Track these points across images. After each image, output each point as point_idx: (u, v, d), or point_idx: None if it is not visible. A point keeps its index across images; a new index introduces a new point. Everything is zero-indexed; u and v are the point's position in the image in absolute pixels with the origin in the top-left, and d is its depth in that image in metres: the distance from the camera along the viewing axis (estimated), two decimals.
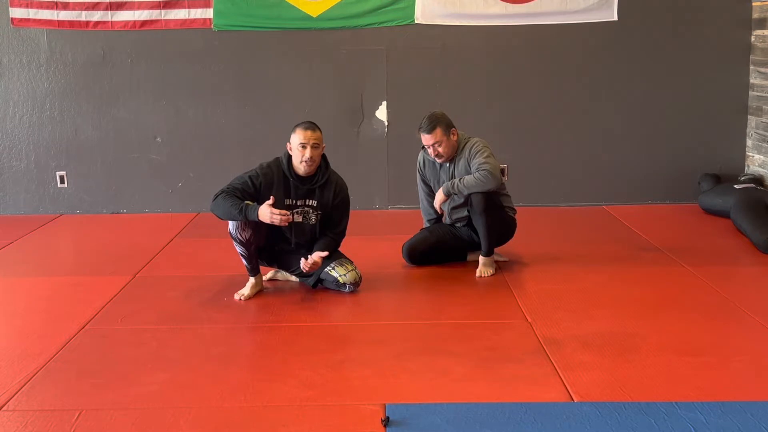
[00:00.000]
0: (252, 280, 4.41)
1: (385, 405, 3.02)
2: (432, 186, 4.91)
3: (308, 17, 6.16)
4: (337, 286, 4.38)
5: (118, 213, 6.62)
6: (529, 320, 3.94)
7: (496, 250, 4.81)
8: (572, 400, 3.07)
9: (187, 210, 6.54)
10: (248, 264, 4.38)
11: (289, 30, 6.26)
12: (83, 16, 6.15)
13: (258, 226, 4.20)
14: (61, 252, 5.76)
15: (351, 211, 4.57)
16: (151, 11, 6.14)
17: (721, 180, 6.30)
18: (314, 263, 4.27)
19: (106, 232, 6.04)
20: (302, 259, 4.28)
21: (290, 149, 4.33)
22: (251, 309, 4.25)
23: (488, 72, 6.45)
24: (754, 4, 6.28)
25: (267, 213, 4.10)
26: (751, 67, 6.36)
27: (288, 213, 4.17)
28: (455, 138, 4.71)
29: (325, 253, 4.27)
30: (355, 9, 6.14)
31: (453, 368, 3.38)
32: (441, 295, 4.41)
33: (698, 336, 3.71)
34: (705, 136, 6.49)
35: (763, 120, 6.23)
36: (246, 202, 4.19)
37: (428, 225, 5.04)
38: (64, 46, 6.40)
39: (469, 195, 4.62)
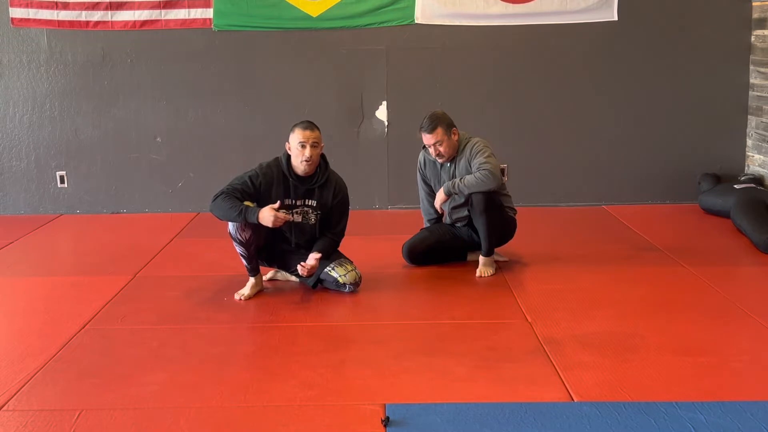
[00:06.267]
0: (252, 280, 4.41)
1: (385, 405, 3.02)
2: (432, 186, 4.90)
3: (308, 17, 6.15)
4: (337, 287, 4.38)
5: (118, 213, 6.62)
6: (529, 320, 3.94)
7: (496, 250, 4.81)
8: (572, 400, 3.07)
9: (187, 210, 6.54)
10: (248, 264, 4.38)
11: (289, 30, 6.26)
12: (83, 16, 6.14)
13: (258, 227, 4.19)
14: (61, 252, 5.76)
15: (351, 211, 4.57)
16: (151, 11, 6.13)
17: (721, 180, 6.30)
18: (311, 267, 4.27)
19: (106, 232, 6.04)
20: (299, 266, 4.28)
21: (289, 149, 4.33)
22: (251, 309, 4.25)
23: (488, 72, 6.45)
24: (754, 4, 6.28)
25: (270, 217, 4.09)
26: (751, 67, 6.36)
27: (287, 212, 4.18)
28: (456, 138, 4.71)
29: (319, 255, 4.27)
30: (355, 9, 6.12)
31: (453, 368, 3.38)
32: (441, 295, 4.41)
33: (698, 336, 3.71)
34: (705, 136, 6.49)
35: (763, 120, 6.23)
36: (245, 203, 4.19)
37: (428, 225, 5.04)
38: (64, 46, 6.40)
39: (470, 195, 4.62)
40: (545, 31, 6.21)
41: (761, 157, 6.26)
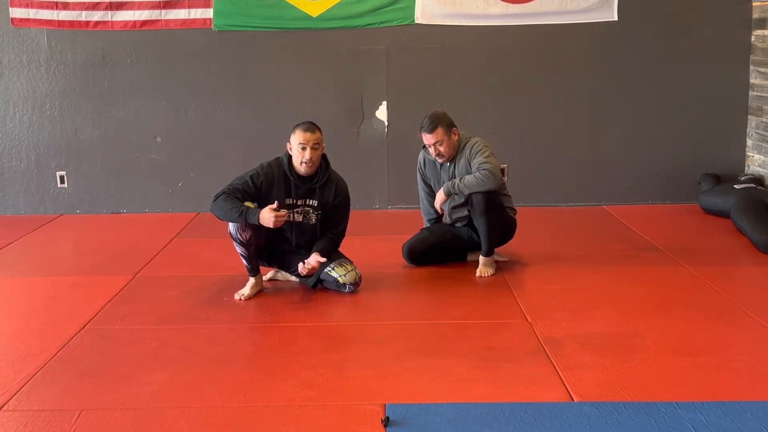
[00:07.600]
0: (252, 280, 4.41)
1: (385, 405, 3.02)
2: (432, 186, 4.91)
3: (308, 17, 6.15)
4: (337, 287, 4.38)
5: (118, 213, 6.62)
6: (529, 320, 3.95)
7: (496, 250, 4.81)
8: (572, 400, 3.07)
9: (187, 210, 6.54)
10: (248, 264, 4.38)
11: (288, 30, 6.26)
12: (83, 16, 6.14)
13: (258, 227, 4.19)
14: (61, 252, 5.76)
15: (351, 211, 4.57)
16: (151, 11, 6.13)
17: (721, 180, 6.30)
18: (312, 268, 4.27)
19: (106, 232, 6.04)
20: (300, 264, 4.28)
21: (290, 149, 4.34)
22: (251, 309, 4.25)
23: (488, 72, 6.45)
24: (754, 4, 6.28)
25: (270, 218, 4.09)
26: (751, 67, 6.36)
27: (287, 210, 4.19)
28: (456, 138, 4.71)
29: (323, 259, 4.27)
30: (355, 9, 6.13)
31: (453, 368, 3.38)
32: (441, 295, 4.41)
33: (698, 336, 3.71)
34: (705, 136, 6.49)
35: (763, 120, 6.23)
36: (246, 204, 4.19)
37: (428, 225, 5.04)
38: (64, 46, 6.40)
39: (470, 195, 4.62)
40: (545, 31, 6.21)
41: (761, 157, 6.26)
